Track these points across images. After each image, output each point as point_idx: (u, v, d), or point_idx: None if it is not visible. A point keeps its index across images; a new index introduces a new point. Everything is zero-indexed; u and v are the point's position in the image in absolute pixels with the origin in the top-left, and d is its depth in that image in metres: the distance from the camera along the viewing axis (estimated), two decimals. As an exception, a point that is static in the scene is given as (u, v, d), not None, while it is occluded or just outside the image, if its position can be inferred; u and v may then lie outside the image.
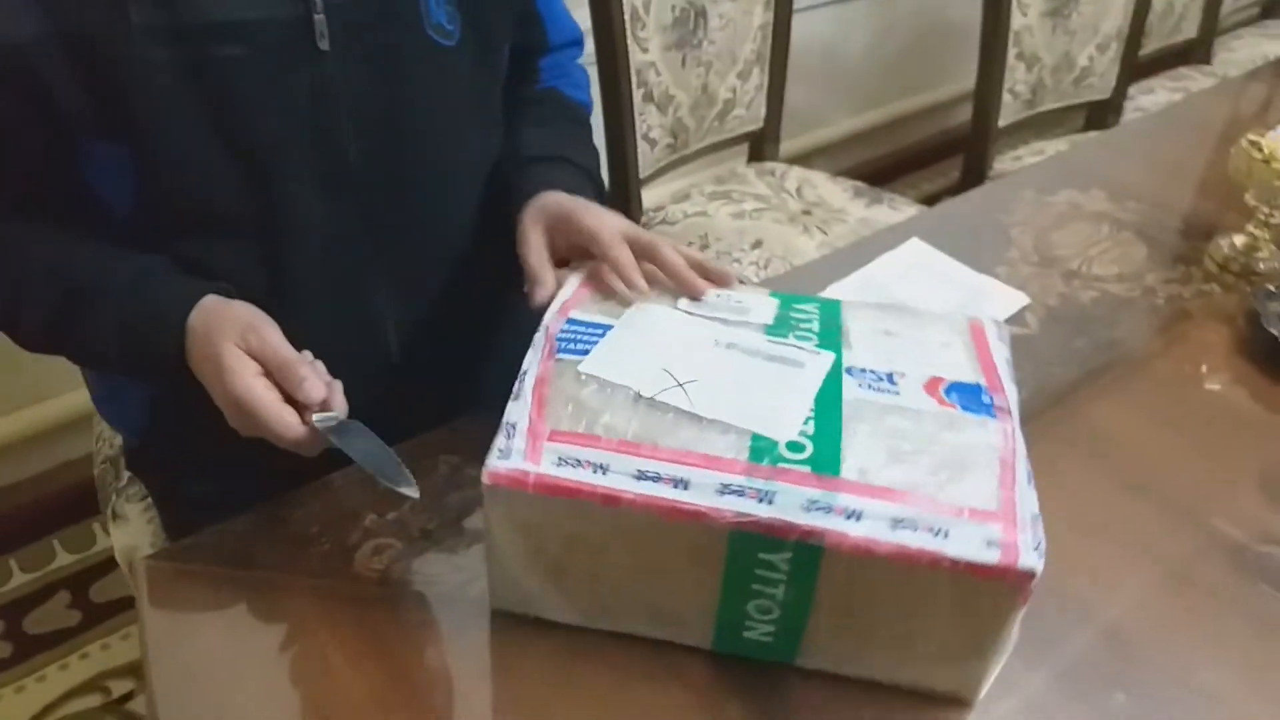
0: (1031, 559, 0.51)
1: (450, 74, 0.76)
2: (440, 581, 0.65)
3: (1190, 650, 0.62)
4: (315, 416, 0.63)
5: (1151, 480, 0.75)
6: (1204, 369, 0.88)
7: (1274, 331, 0.87)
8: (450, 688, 0.59)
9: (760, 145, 1.67)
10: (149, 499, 0.95)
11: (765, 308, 0.69)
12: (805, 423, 0.57)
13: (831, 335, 0.66)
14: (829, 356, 0.63)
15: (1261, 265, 0.99)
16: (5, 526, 1.56)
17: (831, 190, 1.57)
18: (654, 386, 0.59)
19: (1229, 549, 0.69)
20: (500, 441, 0.56)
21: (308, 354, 0.66)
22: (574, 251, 0.74)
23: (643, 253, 0.70)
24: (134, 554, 0.94)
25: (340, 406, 0.65)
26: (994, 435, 0.58)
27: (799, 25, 1.60)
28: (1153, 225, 1.08)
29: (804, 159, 2.26)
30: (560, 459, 0.54)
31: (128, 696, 1.36)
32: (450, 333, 0.71)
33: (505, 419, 0.57)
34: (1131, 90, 1.92)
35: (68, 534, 1.58)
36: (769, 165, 1.65)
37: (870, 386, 0.61)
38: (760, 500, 0.53)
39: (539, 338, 0.64)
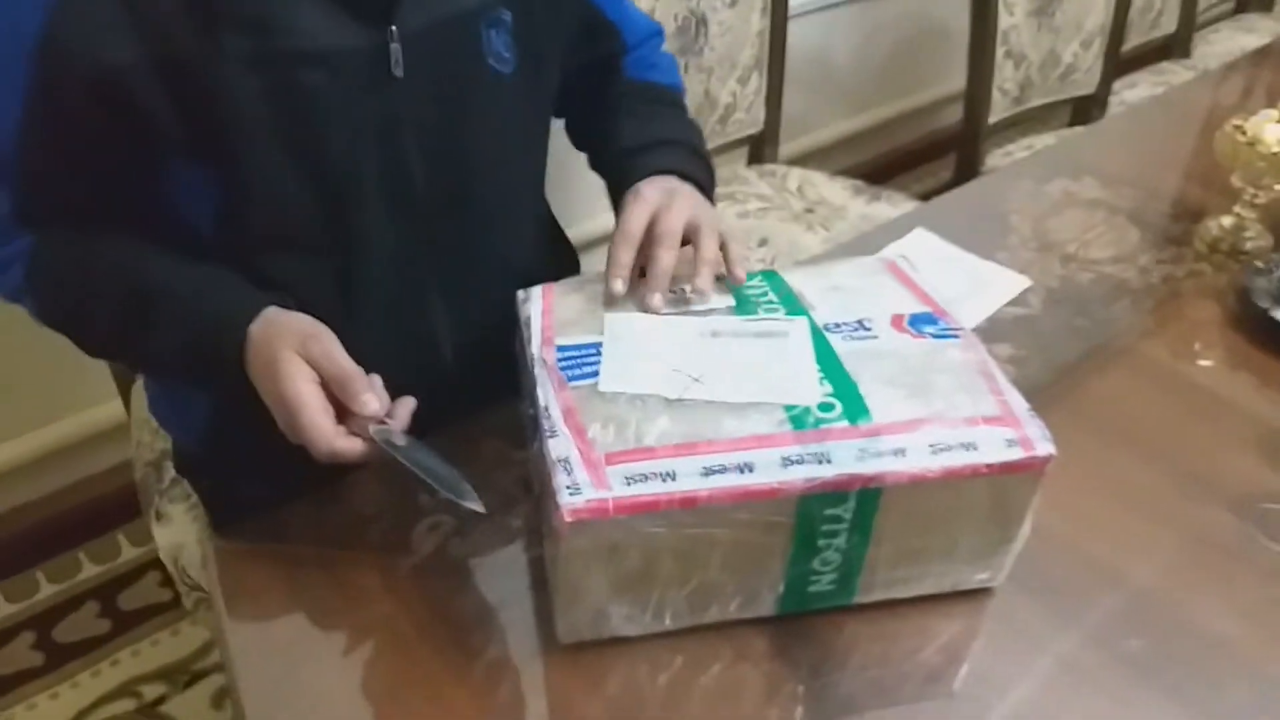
0: (1045, 446, 0.60)
1: (506, 100, 0.79)
2: (496, 554, 0.69)
3: (1203, 602, 0.66)
4: (373, 428, 0.63)
5: (1156, 448, 0.79)
6: (1198, 345, 0.92)
7: (1263, 306, 0.92)
8: (513, 658, 0.63)
9: (760, 148, 1.72)
10: (193, 499, 0.98)
11: (721, 293, 0.72)
12: (821, 383, 0.62)
13: (791, 301, 0.71)
14: (803, 320, 0.68)
15: (1249, 244, 1.04)
16: (32, 540, 1.58)
17: (831, 189, 1.62)
18: (676, 387, 0.62)
19: (1234, 509, 0.73)
20: (562, 479, 0.56)
21: (360, 371, 0.66)
22: None
23: (690, 235, 0.73)
24: (180, 552, 0.97)
25: (403, 422, 0.66)
26: (965, 352, 0.66)
27: (792, 31, 1.65)
28: (1144, 210, 1.13)
29: (800, 162, 2.30)
30: (627, 478, 0.56)
31: (160, 700, 1.39)
32: (501, 343, 0.75)
33: (553, 457, 0.57)
34: (1115, 85, 1.97)
35: (93, 546, 1.61)
36: (769, 167, 1.70)
37: (852, 337, 0.67)
38: (820, 463, 0.57)
39: (540, 372, 0.64)
